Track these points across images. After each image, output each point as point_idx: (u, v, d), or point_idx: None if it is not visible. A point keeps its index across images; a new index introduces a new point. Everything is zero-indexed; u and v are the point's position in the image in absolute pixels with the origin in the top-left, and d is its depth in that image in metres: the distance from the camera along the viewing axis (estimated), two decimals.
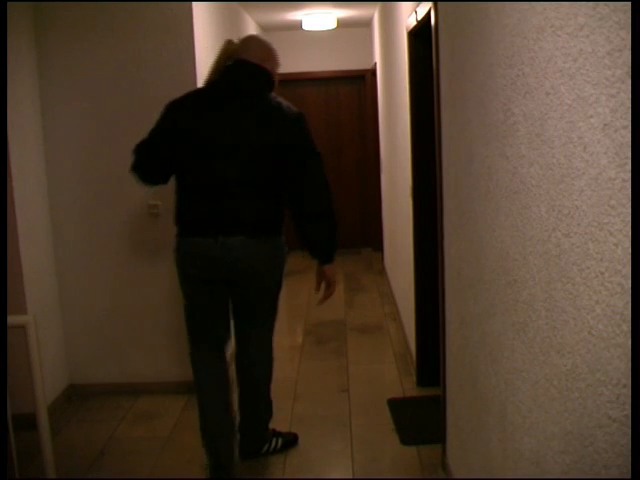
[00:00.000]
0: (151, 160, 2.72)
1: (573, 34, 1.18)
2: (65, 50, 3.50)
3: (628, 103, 0.97)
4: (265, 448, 2.98)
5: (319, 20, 6.17)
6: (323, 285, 2.87)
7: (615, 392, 1.06)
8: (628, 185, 0.98)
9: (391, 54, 4.67)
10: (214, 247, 2.62)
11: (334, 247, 2.77)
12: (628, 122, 0.97)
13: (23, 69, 3.36)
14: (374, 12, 6.21)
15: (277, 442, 3.01)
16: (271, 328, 2.96)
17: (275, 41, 7.62)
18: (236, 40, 2.80)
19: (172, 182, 3.31)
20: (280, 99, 2.73)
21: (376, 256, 6.99)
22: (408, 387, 3.68)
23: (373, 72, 6.59)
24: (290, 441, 3.06)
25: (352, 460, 2.93)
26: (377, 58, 6.15)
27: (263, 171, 2.62)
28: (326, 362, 4.15)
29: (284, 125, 2.62)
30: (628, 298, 1.00)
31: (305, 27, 6.38)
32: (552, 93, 1.30)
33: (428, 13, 2.77)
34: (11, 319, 2.23)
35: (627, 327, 1.01)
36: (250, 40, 2.82)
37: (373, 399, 3.54)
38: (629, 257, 0.99)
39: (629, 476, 1.00)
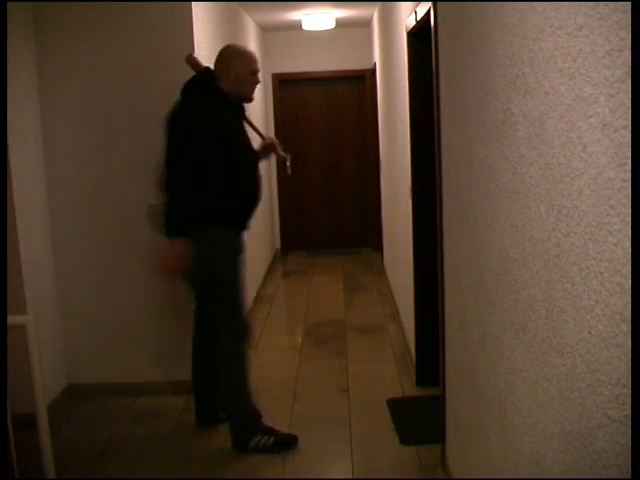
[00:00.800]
0: None
1: (573, 34, 1.18)
2: (65, 50, 3.50)
3: (627, 103, 0.97)
4: (254, 442, 2.98)
5: (318, 20, 6.17)
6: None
7: (615, 392, 1.06)
8: (628, 185, 0.98)
9: (390, 54, 4.67)
10: None
11: (175, 223, 2.80)
12: (627, 122, 0.97)
13: (23, 69, 3.36)
14: (373, 12, 6.22)
15: (267, 439, 3.00)
16: (221, 318, 2.98)
17: (275, 41, 7.65)
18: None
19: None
20: (200, 102, 2.85)
21: (375, 256, 6.99)
22: (407, 387, 3.68)
23: (373, 72, 6.59)
24: (286, 442, 3.03)
25: (351, 460, 2.93)
26: (376, 58, 6.15)
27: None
28: (326, 362, 4.15)
29: (169, 126, 2.89)
30: (628, 298, 1.00)
31: (304, 27, 6.38)
32: (552, 93, 1.30)
33: (427, 13, 2.77)
34: (11, 319, 2.23)
35: (627, 327, 1.01)
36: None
37: (373, 399, 3.54)
38: (629, 257, 0.99)
39: (629, 476, 1.00)
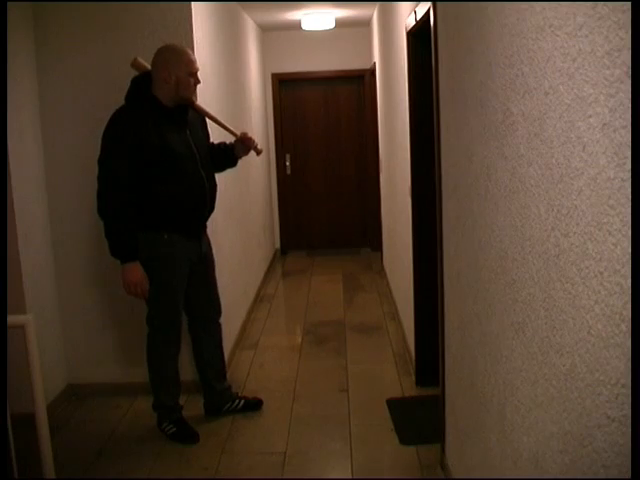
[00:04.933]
0: None
1: (572, 34, 1.18)
2: (64, 50, 3.50)
3: (627, 103, 0.97)
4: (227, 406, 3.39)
5: (318, 20, 6.16)
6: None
7: (614, 392, 1.06)
8: (627, 185, 0.98)
9: (390, 54, 4.67)
10: None
11: (112, 247, 2.92)
12: (627, 122, 0.97)
13: (22, 69, 3.36)
14: (373, 12, 6.22)
15: (238, 403, 3.41)
16: (149, 316, 3.15)
17: (274, 41, 7.64)
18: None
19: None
20: (118, 112, 2.94)
21: (375, 256, 6.99)
22: (407, 387, 3.68)
23: (372, 72, 6.59)
24: (253, 404, 3.44)
25: (351, 460, 2.93)
26: (376, 58, 6.15)
27: None
28: (325, 362, 4.14)
29: None
30: (627, 298, 1.00)
31: (304, 27, 6.38)
32: (551, 93, 1.30)
33: (427, 13, 2.77)
34: (10, 319, 2.22)
35: (626, 327, 1.01)
36: None
37: (372, 399, 3.54)
38: (628, 257, 0.99)
39: (628, 476, 1.00)
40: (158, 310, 3.11)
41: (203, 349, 3.34)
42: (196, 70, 2.95)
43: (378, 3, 5.66)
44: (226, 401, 3.40)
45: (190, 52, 2.99)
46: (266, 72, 7.18)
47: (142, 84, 2.95)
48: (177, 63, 2.90)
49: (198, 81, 2.99)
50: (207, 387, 3.38)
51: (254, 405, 3.45)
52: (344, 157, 7.45)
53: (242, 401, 3.43)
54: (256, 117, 6.20)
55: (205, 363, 3.36)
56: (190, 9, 3.46)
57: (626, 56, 0.96)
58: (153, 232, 2.98)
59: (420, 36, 3.28)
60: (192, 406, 3.45)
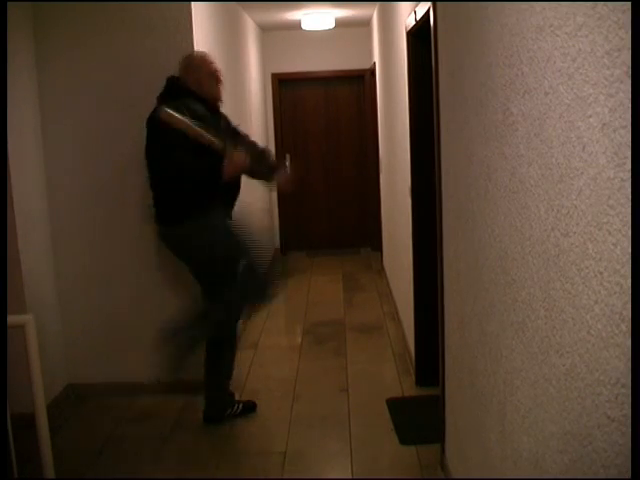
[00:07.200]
0: None
1: (572, 34, 1.18)
2: (64, 50, 3.50)
3: (627, 103, 0.97)
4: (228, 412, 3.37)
5: (318, 20, 6.17)
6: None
7: (614, 392, 1.06)
8: (627, 185, 0.98)
9: (390, 54, 4.67)
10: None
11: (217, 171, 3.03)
12: (627, 122, 0.97)
13: (22, 69, 3.36)
14: (373, 12, 6.22)
15: (237, 407, 3.39)
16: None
17: (274, 41, 7.64)
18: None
19: None
20: (170, 106, 2.94)
21: (375, 256, 6.99)
22: (407, 387, 3.68)
23: (372, 72, 6.59)
24: (249, 407, 3.43)
25: (351, 460, 2.93)
26: (376, 58, 6.15)
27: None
28: (325, 362, 4.14)
29: (155, 131, 3.00)
30: (627, 298, 1.00)
31: (304, 27, 6.38)
32: (551, 93, 1.30)
33: (427, 13, 2.77)
34: (10, 319, 2.23)
35: (626, 327, 1.01)
36: None
37: (372, 399, 3.54)
38: (628, 257, 0.99)
39: (628, 476, 1.00)
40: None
41: (223, 353, 3.32)
42: (215, 70, 3.15)
43: (378, 3, 5.66)
44: (227, 407, 3.37)
45: (208, 55, 3.24)
46: (266, 72, 7.18)
47: (180, 85, 3.10)
48: (196, 66, 3.12)
49: (220, 80, 3.17)
50: (212, 393, 3.32)
51: (249, 408, 3.43)
52: (344, 157, 7.45)
53: (240, 405, 3.41)
54: (256, 117, 6.20)
55: (219, 367, 3.32)
56: (190, 9, 3.46)
57: (626, 56, 0.96)
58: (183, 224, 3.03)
59: (420, 36, 3.28)
60: (193, 406, 3.45)
